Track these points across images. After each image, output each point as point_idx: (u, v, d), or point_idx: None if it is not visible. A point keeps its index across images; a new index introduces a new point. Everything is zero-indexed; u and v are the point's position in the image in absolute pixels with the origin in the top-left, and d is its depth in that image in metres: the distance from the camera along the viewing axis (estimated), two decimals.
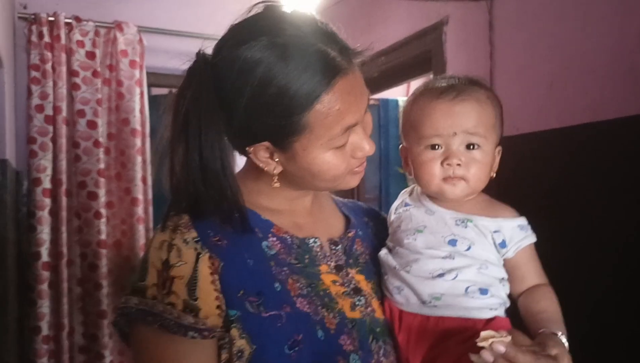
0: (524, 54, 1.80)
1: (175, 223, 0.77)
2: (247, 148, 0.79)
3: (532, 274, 0.87)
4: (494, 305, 0.83)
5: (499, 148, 0.90)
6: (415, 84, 3.63)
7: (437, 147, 0.85)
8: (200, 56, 0.78)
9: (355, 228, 0.94)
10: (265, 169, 0.80)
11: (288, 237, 0.83)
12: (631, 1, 1.47)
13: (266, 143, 0.78)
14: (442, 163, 0.84)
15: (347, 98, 0.75)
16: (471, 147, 0.84)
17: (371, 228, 0.98)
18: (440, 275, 0.82)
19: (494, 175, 0.89)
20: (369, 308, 0.84)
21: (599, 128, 1.53)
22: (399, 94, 3.58)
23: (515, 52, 1.83)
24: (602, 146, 1.52)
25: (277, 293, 0.77)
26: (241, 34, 0.75)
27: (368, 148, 0.80)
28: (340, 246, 0.88)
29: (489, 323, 0.81)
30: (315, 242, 0.86)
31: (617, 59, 1.50)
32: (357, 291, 0.85)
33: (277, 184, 0.82)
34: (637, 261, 1.42)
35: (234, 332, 0.73)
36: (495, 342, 0.65)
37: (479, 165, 0.85)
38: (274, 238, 0.82)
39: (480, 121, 0.84)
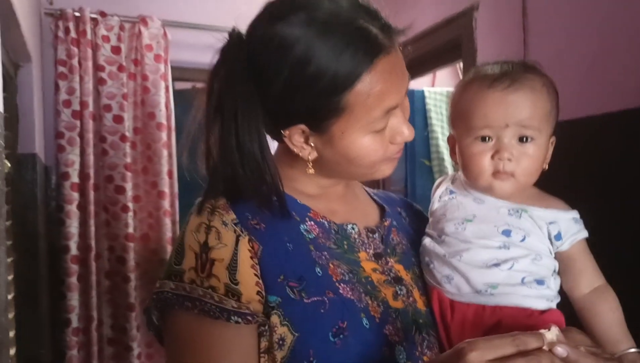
0: (559, 38, 1.73)
1: (213, 205, 0.75)
2: (282, 131, 0.76)
3: (590, 269, 0.84)
4: (550, 296, 0.80)
5: (553, 138, 0.85)
6: (441, 73, 3.57)
7: (487, 139, 0.81)
8: (234, 33, 0.75)
9: (391, 217, 0.91)
10: (300, 154, 0.77)
11: (326, 222, 0.81)
12: None
13: (302, 126, 0.74)
14: (492, 157, 0.81)
15: (389, 78, 0.72)
16: (524, 140, 0.80)
17: (405, 218, 0.95)
18: (496, 265, 0.79)
19: (547, 167, 0.85)
20: (411, 298, 0.82)
21: None
22: (425, 84, 3.53)
23: (551, 36, 1.76)
24: None
25: (319, 278, 0.74)
26: (278, 10, 0.72)
27: (407, 132, 0.77)
28: (377, 234, 0.86)
29: (544, 314, 0.78)
30: (353, 228, 0.83)
31: None
32: (397, 280, 0.82)
33: (311, 171, 0.79)
34: None
35: (275, 319, 0.70)
36: (556, 343, 0.59)
37: (531, 160, 0.81)
38: (312, 222, 0.80)
39: (535, 112, 0.80)
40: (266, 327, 0.70)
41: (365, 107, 0.71)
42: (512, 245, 0.80)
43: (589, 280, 0.83)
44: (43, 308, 2.38)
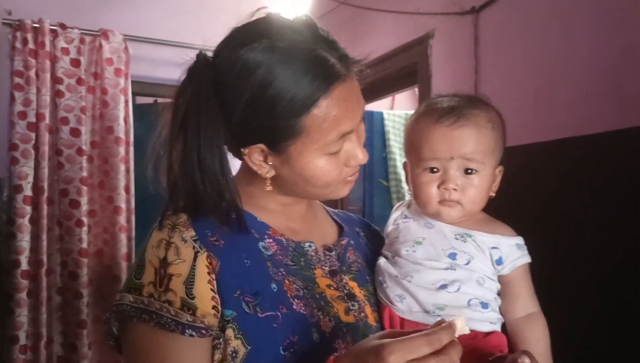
0: (509, 68, 1.83)
1: (174, 222, 0.77)
2: (242, 150, 0.79)
3: (526, 294, 0.87)
4: (493, 319, 0.84)
5: (500, 167, 0.90)
6: (400, 96, 3.68)
7: (434, 170, 0.86)
8: (201, 56, 0.78)
9: (348, 236, 0.95)
10: (259, 172, 0.80)
11: (284, 239, 0.84)
12: (616, 17, 1.51)
13: (261, 145, 0.78)
14: (439, 186, 0.86)
15: (344, 105, 0.76)
16: (468, 171, 0.85)
17: (362, 238, 0.99)
18: (443, 287, 0.82)
19: (494, 195, 0.90)
20: (362, 314, 0.85)
21: (584, 142, 1.55)
22: (385, 106, 3.62)
23: (500, 66, 1.87)
24: (587, 160, 1.55)
25: (274, 294, 0.76)
26: (243, 36, 0.76)
27: (361, 156, 0.81)
28: (334, 252, 0.89)
29: (487, 336, 0.82)
30: (310, 246, 0.86)
31: (601, 74, 1.54)
32: (350, 296, 0.85)
33: (269, 188, 0.82)
34: (622, 275, 1.45)
35: (230, 332, 0.72)
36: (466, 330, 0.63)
37: (476, 189, 0.86)
38: (270, 240, 0.83)
39: (478, 147, 0.85)
40: (220, 340, 0.72)
41: (321, 130, 0.75)
42: (458, 267, 0.84)
43: (524, 305, 0.86)
44: None
